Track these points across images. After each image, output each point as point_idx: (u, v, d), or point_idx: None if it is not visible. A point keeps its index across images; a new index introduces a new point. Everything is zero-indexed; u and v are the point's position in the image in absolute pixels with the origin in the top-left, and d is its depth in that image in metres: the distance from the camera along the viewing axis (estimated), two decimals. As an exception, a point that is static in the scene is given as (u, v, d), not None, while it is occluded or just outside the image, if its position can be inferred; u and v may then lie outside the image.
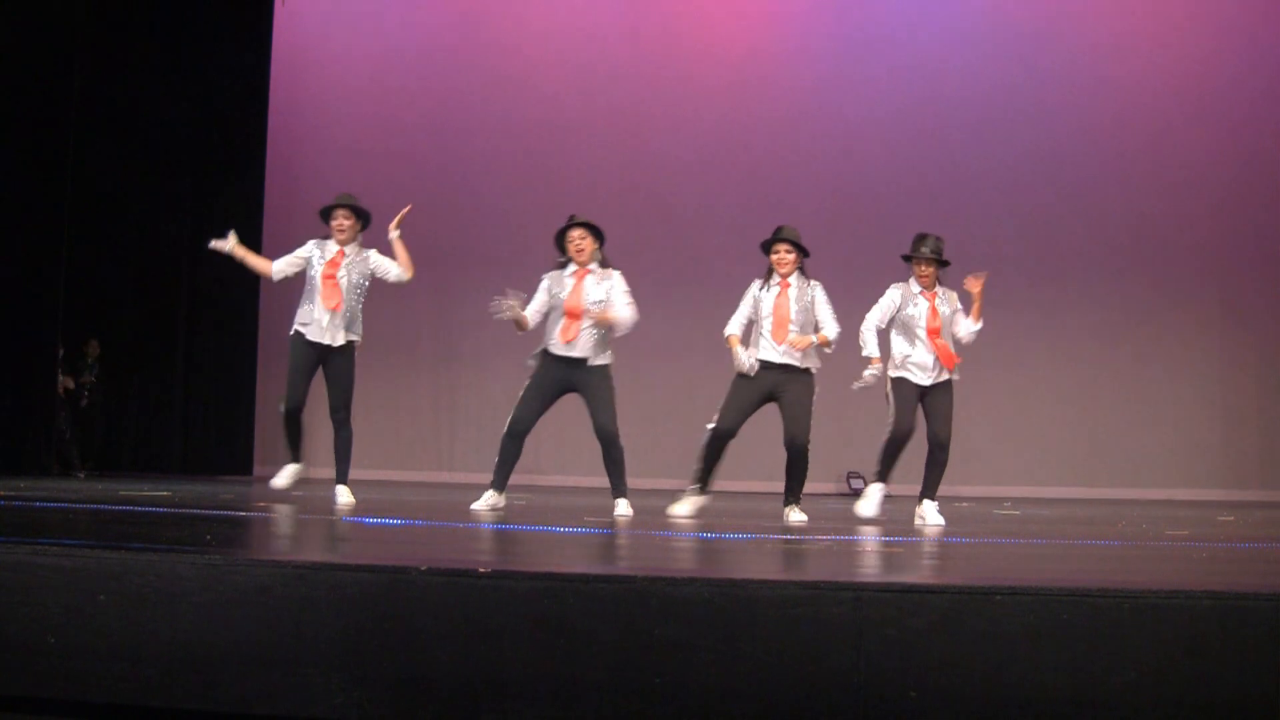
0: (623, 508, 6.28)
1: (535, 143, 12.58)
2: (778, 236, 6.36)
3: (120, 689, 2.96)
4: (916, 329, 6.26)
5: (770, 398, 6.24)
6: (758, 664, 2.76)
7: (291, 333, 6.65)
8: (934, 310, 6.28)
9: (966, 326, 6.36)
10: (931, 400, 6.29)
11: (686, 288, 11.81)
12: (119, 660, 2.97)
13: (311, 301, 6.61)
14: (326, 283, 6.57)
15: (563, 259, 6.46)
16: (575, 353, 6.28)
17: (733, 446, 6.23)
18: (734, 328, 6.36)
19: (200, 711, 2.95)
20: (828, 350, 6.30)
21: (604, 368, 6.32)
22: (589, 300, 6.27)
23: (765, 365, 6.22)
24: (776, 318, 6.22)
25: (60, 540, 3.34)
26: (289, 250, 6.79)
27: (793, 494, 6.31)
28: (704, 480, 6.34)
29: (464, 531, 4.92)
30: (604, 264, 6.43)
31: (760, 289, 6.36)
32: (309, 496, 7.15)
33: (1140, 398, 12.09)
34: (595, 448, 6.34)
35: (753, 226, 12.17)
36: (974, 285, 6.30)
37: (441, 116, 12.75)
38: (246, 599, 2.95)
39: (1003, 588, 2.81)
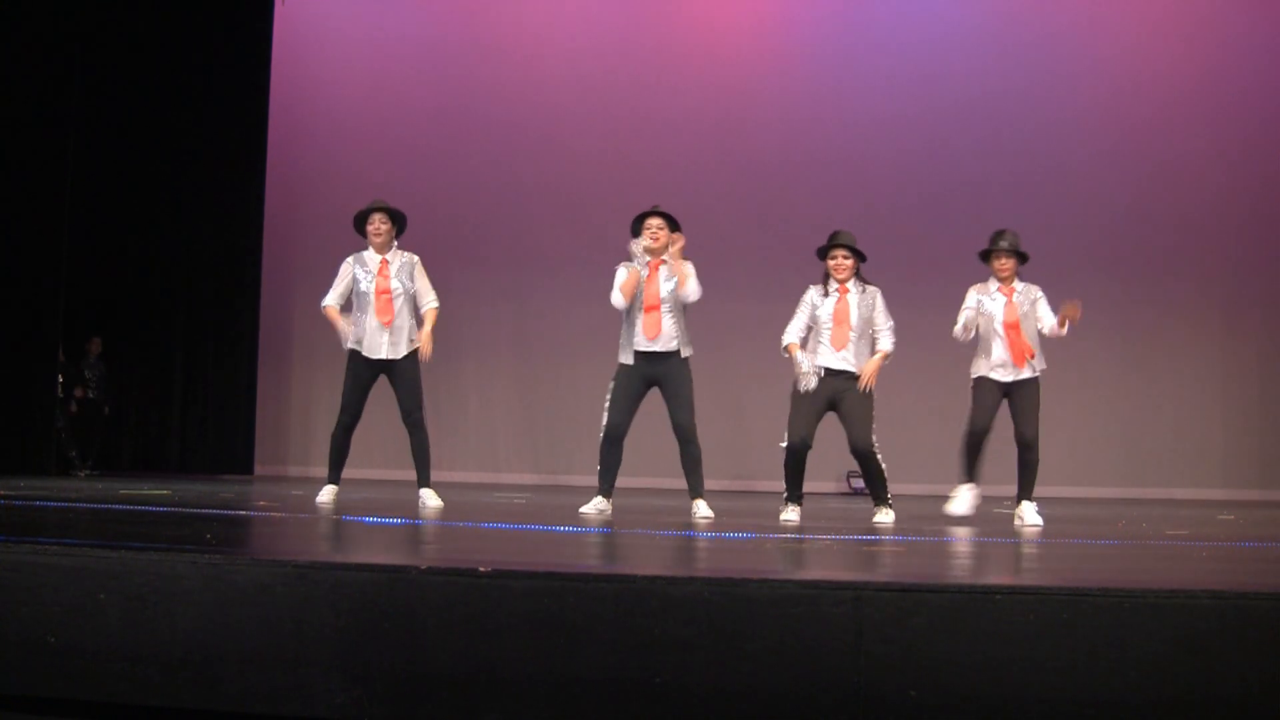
0: (702, 509, 6.13)
1: (536, 141, 12.58)
2: (834, 242, 6.28)
3: (120, 689, 2.96)
4: (995, 324, 6.25)
5: (831, 405, 6.20)
6: (757, 664, 2.76)
7: (348, 350, 6.52)
8: (1011, 304, 6.26)
9: (1049, 322, 6.32)
10: (1015, 399, 6.26)
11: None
12: (119, 660, 2.97)
13: (364, 319, 6.50)
14: (381, 298, 6.47)
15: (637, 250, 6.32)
16: (660, 346, 6.18)
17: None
18: (793, 335, 6.28)
19: (200, 711, 2.95)
20: (886, 363, 6.26)
21: (687, 360, 6.24)
22: (665, 291, 6.20)
23: (826, 372, 6.17)
24: (836, 324, 6.17)
25: (60, 540, 3.34)
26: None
27: (878, 497, 6.31)
28: (796, 495, 6.28)
29: (464, 531, 4.92)
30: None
31: (818, 295, 6.29)
32: (308, 496, 7.14)
33: (1140, 397, 12.09)
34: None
35: (755, 226, 12.29)
36: (1072, 314, 6.24)
37: (442, 116, 12.74)
38: (246, 599, 2.95)
39: (1003, 588, 2.81)
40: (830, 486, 11.75)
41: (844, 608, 2.77)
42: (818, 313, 6.25)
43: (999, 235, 6.36)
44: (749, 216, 12.17)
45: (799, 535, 5.09)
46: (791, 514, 6.21)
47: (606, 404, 6.23)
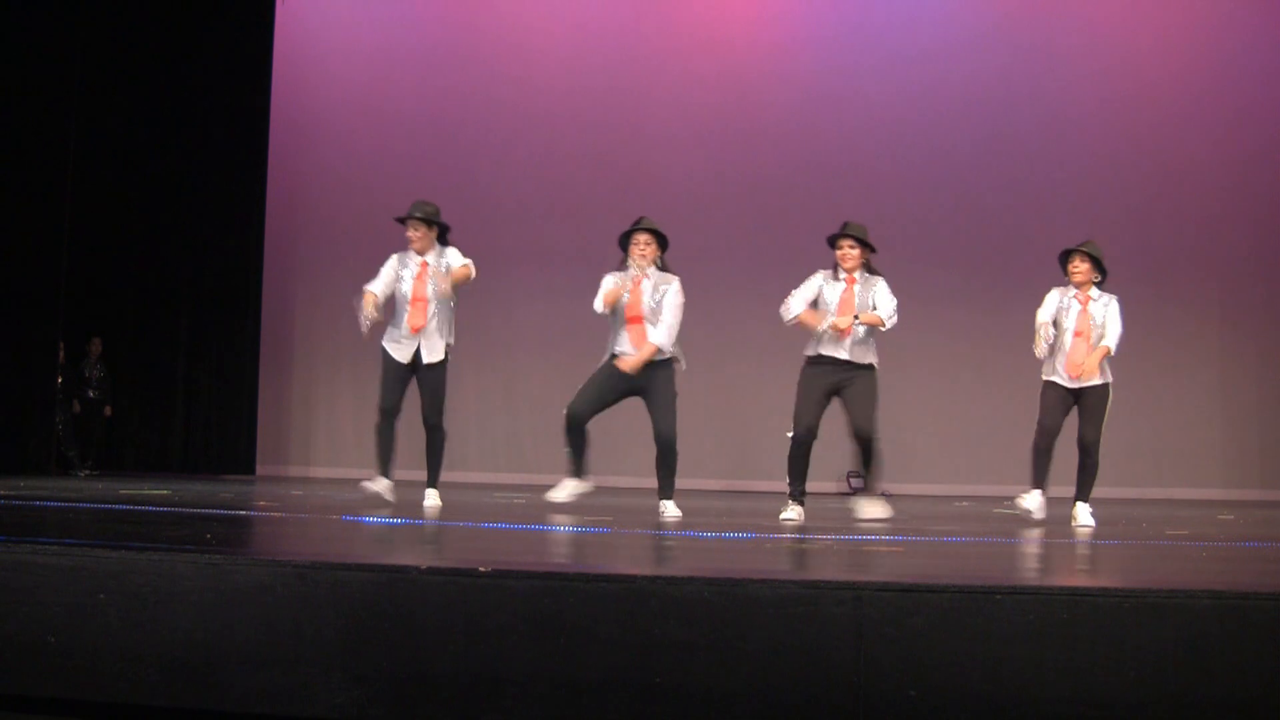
0: (670, 509, 6.13)
1: (536, 139, 12.57)
2: (843, 232, 6.17)
3: (120, 689, 2.96)
4: (1065, 330, 6.24)
5: (834, 394, 6.12)
6: (758, 664, 2.76)
7: (382, 346, 6.43)
8: (1085, 312, 6.24)
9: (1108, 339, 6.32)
10: (1083, 402, 6.25)
11: (687, 284, 11.79)
12: (119, 660, 2.97)
13: (398, 321, 6.42)
14: (415, 305, 6.37)
15: (625, 261, 6.28)
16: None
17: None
18: (798, 307, 6.14)
19: (200, 711, 2.95)
20: (880, 326, 6.15)
21: (668, 362, 6.15)
22: (647, 308, 6.11)
23: (829, 361, 6.07)
24: (841, 314, 6.04)
25: (60, 540, 3.34)
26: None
27: (869, 487, 6.26)
28: (799, 492, 6.19)
29: (464, 531, 4.92)
30: (662, 268, 6.27)
31: (826, 278, 6.19)
32: (309, 496, 7.14)
33: (1140, 397, 12.06)
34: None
35: (754, 223, 12.28)
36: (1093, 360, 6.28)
37: (442, 115, 12.74)
38: (246, 599, 2.95)
39: (1003, 588, 2.81)
40: (830, 487, 11.75)
41: (844, 608, 2.77)
42: (825, 296, 6.16)
43: (1083, 243, 6.33)
44: (750, 213, 12.15)
45: (799, 535, 5.09)
46: (792, 513, 6.10)
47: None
